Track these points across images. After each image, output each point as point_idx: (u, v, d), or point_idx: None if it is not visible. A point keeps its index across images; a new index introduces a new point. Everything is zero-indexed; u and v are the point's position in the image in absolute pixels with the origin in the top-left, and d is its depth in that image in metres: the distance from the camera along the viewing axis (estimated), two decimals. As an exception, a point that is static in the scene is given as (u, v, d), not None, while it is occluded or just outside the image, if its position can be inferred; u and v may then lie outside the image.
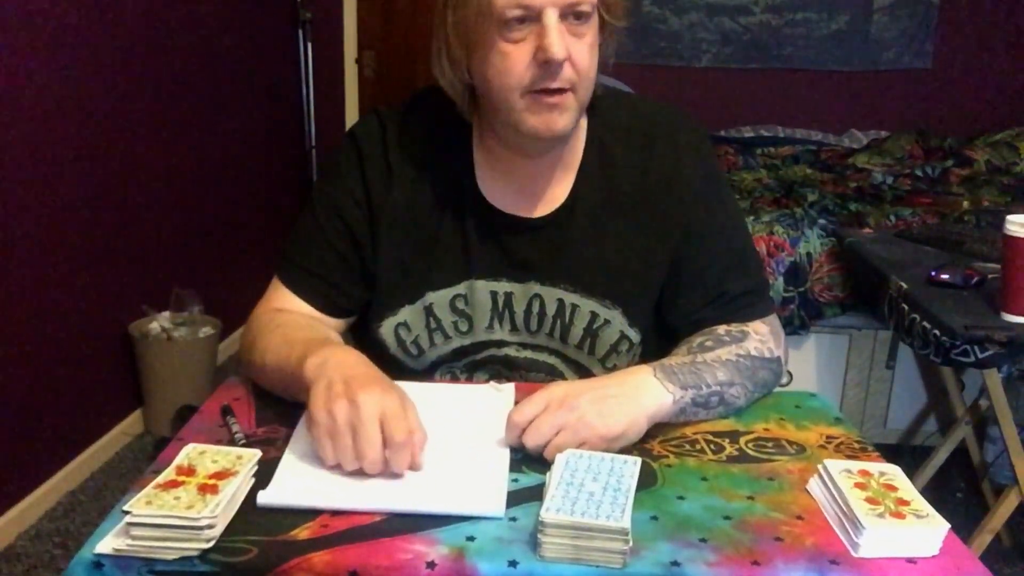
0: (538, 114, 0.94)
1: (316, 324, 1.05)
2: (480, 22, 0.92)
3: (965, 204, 2.69)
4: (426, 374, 1.10)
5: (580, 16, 0.92)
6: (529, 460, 0.85)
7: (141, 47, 2.64)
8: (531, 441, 0.85)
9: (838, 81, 4.01)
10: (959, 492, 2.42)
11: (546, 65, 0.90)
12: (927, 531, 0.72)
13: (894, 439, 2.62)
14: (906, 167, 3.28)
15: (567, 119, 0.95)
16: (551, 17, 0.90)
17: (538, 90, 0.92)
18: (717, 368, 0.96)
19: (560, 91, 0.93)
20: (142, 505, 0.70)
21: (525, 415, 0.85)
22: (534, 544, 0.70)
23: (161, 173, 2.80)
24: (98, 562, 0.69)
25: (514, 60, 0.92)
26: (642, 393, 0.90)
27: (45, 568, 2.04)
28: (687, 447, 0.90)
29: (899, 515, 0.73)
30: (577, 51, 0.92)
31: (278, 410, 0.94)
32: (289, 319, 1.04)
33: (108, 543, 0.70)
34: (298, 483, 0.78)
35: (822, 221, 2.46)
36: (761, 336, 1.04)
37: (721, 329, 1.04)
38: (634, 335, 1.07)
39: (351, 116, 4.10)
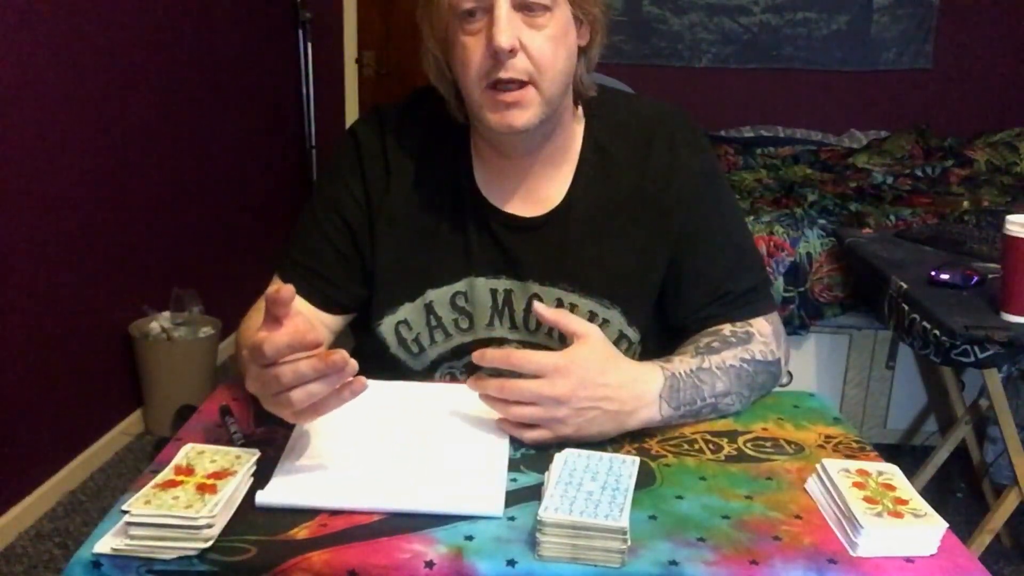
0: (495, 111, 0.95)
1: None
2: (447, 18, 0.95)
3: (965, 204, 2.69)
4: (426, 373, 1.10)
5: (533, 8, 0.92)
6: (528, 460, 0.85)
7: (141, 47, 2.64)
8: (511, 423, 0.88)
9: (838, 81, 4.01)
10: (959, 492, 2.42)
11: (495, 54, 0.91)
12: (925, 530, 0.72)
13: (894, 439, 2.62)
14: (906, 167, 3.28)
15: (528, 115, 0.95)
16: (500, 7, 0.91)
17: (494, 83, 0.93)
18: (719, 377, 0.96)
19: (518, 85, 0.93)
20: (141, 505, 0.70)
21: (518, 393, 0.86)
22: (533, 543, 0.70)
23: (161, 173, 2.80)
24: (97, 562, 0.69)
25: (471, 51, 0.93)
26: (635, 413, 0.90)
27: (45, 568, 2.04)
28: (686, 447, 0.90)
29: (897, 514, 0.73)
30: (534, 42, 0.93)
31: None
32: (255, 319, 1.03)
33: (107, 543, 0.70)
34: (297, 483, 0.78)
35: (822, 221, 2.46)
36: (765, 338, 1.04)
37: (727, 329, 1.04)
38: (633, 334, 1.07)
39: (351, 116, 4.10)
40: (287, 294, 0.75)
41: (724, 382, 0.96)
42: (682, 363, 0.96)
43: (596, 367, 0.88)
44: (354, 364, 0.75)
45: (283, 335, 0.74)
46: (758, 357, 1.01)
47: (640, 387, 0.91)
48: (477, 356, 0.89)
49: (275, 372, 0.75)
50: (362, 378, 0.77)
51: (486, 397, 0.88)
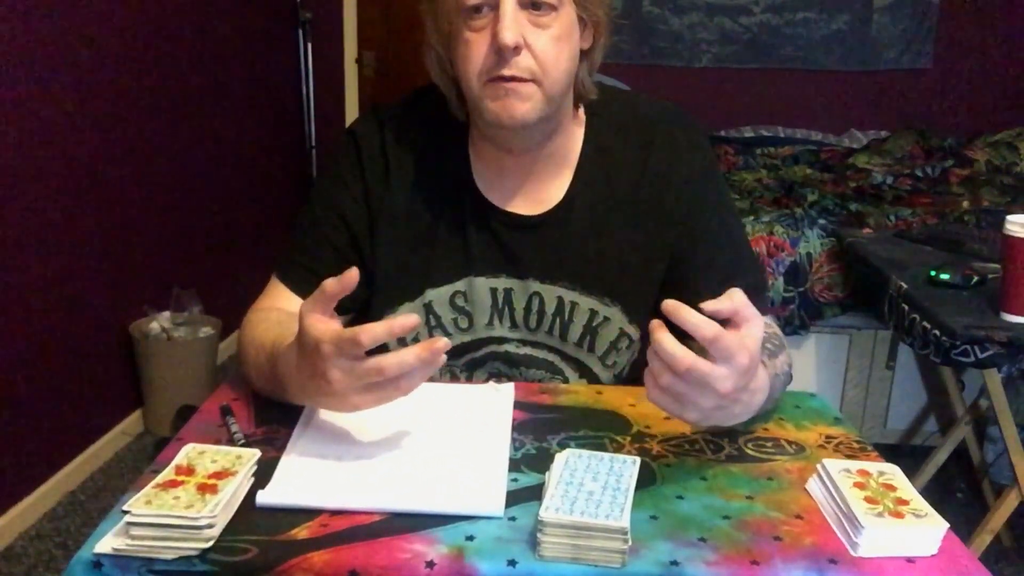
0: (496, 100, 0.94)
1: (276, 323, 0.99)
2: (451, 14, 0.95)
3: (965, 204, 2.69)
4: (426, 373, 1.10)
5: (539, 6, 0.92)
6: (528, 459, 0.85)
7: (141, 47, 2.64)
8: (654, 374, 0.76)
9: (838, 81, 4.01)
10: (959, 492, 2.42)
11: (500, 51, 0.91)
12: (926, 530, 0.72)
13: (894, 439, 2.62)
14: (906, 167, 3.28)
15: (529, 108, 0.94)
16: (506, 3, 0.91)
17: (496, 79, 0.93)
18: (776, 383, 0.91)
19: (519, 80, 0.93)
20: (141, 505, 0.70)
21: (699, 373, 0.73)
22: (533, 543, 0.70)
23: (161, 173, 2.80)
24: (97, 562, 0.69)
25: (475, 47, 0.93)
26: (738, 417, 0.82)
27: (45, 568, 2.04)
28: (686, 447, 0.90)
29: (898, 514, 0.73)
30: (539, 41, 0.93)
31: (278, 410, 0.94)
32: (257, 318, 1.02)
33: (107, 543, 0.70)
34: (297, 483, 0.78)
35: (822, 221, 2.46)
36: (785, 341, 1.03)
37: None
38: (634, 332, 1.07)
39: (351, 116, 4.10)
40: (352, 276, 0.76)
41: (775, 388, 0.92)
42: (770, 367, 0.89)
43: (753, 371, 0.78)
44: (445, 343, 0.75)
45: (379, 325, 0.74)
46: (790, 361, 0.99)
47: (758, 398, 0.83)
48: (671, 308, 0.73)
49: (377, 364, 0.75)
50: (443, 356, 0.76)
51: (658, 336, 0.73)
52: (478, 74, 0.94)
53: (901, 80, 3.99)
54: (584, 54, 1.00)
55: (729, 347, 0.74)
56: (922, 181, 3.13)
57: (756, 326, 0.77)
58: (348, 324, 1.11)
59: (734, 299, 0.76)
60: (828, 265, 2.36)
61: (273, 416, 0.93)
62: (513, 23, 0.90)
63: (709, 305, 0.74)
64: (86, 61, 2.35)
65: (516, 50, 0.91)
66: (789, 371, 0.98)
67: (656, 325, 0.74)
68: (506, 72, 0.92)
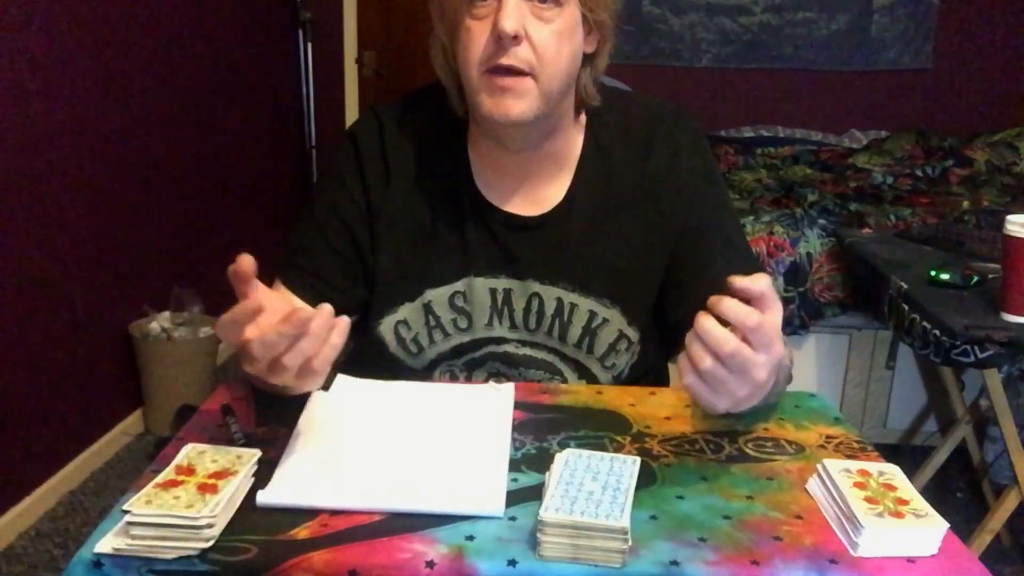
0: (492, 96, 0.94)
1: None
2: (456, 2, 0.95)
3: (965, 204, 2.69)
4: (425, 372, 1.10)
5: None
6: (528, 459, 0.85)
7: (141, 47, 2.64)
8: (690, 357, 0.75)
9: (838, 81, 4.01)
10: (959, 492, 2.42)
11: (499, 40, 0.91)
12: (926, 530, 0.72)
13: (894, 439, 2.62)
14: (906, 167, 3.28)
15: (524, 106, 0.94)
16: None
17: (494, 68, 0.92)
18: (781, 376, 0.92)
19: (516, 74, 0.92)
20: (142, 504, 0.70)
21: (740, 355, 0.73)
22: (533, 543, 0.70)
23: (161, 173, 2.80)
24: (98, 561, 0.69)
25: (475, 35, 0.93)
26: (752, 402, 0.82)
27: (45, 568, 2.04)
28: (686, 447, 0.90)
29: (898, 514, 0.73)
30: (539, 34, 0.92)
31: (278, 410, 0.94)
32: None
33: (108, 542, 0.70)
34: (298, 482, 0.78)
35: (822, 221, 2.46)
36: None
37: None
38: (633, 333, 1.07)
39: (351, 116, 4.10)
40: (245, 267, 0.78)
41: (779, 382, 0.92)
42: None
43: (759, 365, 0.76)
44: (308, 313, 0.73)
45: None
46: (791, 357, 1.00)
47: (769, 386, 0.81)
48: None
49: (257, 342, 0.75)
50: (343, 317, 0.74)
51: (703, 320, 0.73)
52: (477, 63, 0.93)
53: (901, 80, 3.99)
54: (587, 59, 1.00)
55: (769, 334, 0.74)
56: (922, 181, 3.13)
57: (777, 313, 0.76)
58: (351, 327, 1.12)
59: (762, 283, 0.75)
60: (828, 265, 2.36)
61: (273, 416, 0.93)
62: (515, 11, 0.90)
63: (739, 281, 0.74)
64: (85, 61, 2.35)
65: (516, 39, 0.91)
66: (790, 366, 0.98)
67: (702, 312, 0.74)
68: (504, 61, 0.92)
